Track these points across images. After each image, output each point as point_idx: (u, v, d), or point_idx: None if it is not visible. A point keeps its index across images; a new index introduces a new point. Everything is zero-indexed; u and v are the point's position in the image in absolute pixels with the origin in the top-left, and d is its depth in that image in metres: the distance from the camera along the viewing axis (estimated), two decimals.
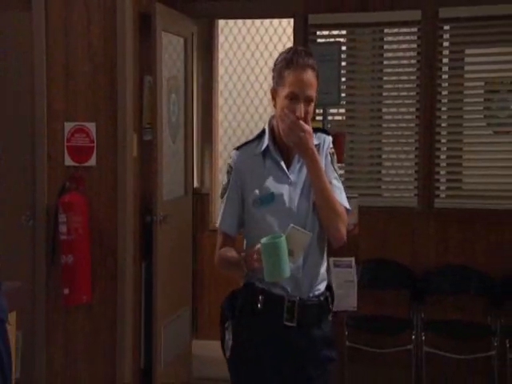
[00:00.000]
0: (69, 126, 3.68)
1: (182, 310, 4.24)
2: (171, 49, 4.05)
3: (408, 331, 4.06)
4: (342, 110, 4.62)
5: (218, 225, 2.29)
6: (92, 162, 3.68)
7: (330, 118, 4.52)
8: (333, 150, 2.25)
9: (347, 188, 2.38)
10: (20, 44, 3.75)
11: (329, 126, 4.11)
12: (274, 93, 2.17)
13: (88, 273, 3.67)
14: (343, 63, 4.44)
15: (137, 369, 3.92)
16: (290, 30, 4.61)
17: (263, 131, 2.25)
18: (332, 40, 4.38)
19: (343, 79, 4.51)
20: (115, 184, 3.68)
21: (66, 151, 3.69)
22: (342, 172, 4.44)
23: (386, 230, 4.31)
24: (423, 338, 4.01)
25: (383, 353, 4.11)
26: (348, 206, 2.21)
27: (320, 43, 4.37)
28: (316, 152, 2.13)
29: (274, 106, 2.18)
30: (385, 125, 4.64)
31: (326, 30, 4.45)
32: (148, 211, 3.88)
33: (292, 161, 2.20)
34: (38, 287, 3.77)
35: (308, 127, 2.09)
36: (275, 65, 2.17)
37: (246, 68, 5.28)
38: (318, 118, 4.14)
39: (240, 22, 5.20)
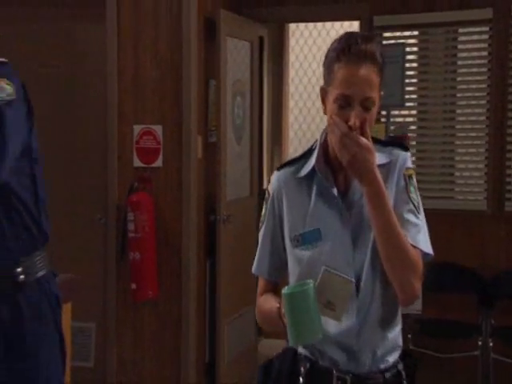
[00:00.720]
0: (137, 129, 3.87)
1: (246, 308, 4.34)
2: (236, 53, 4.16)
3: (475, 337, 3.97)
4: (414, 112, 4.59)
5: (253, 268, 1.80)
6: (158, 163, 3.84)
7: (400, 119, 4.52)
8: (411, 171, 1.66)
9: None
10: (94, 53, 3.98)
11: (391, 127, 4.10)
12: (324, 94, 1.63)
13: (154, 269, 3.83)
14: (414, 64, 4.44)
15: (201, 365, 4.05)
16: None
17: (313, 147, 1.73)
18: (397, 41, 4.36)
19: (414, 80, 4.50)
20: (180, 184, 3.83)
21: (134, 153, 3.88)
22: None
23: (453, 232, 4.23)
24: (491, 344, 3.91)
25: (448, 358, 4.04)
26: (428, 250, 1.62)
27: (384, 45, 4.35)
28: (378, 176, 1.54)
29: (325, 112, 1.63)
30: (458, 126, 4.56)
31: (391, 31, 4.43)
32: (213, 211, 4.01)
33: (350, 186, 1.65)
34: (109, 282, 3.98)
35: (365, 141, 1.53)
36: (326, 57, 1.64)
37: (316, 70, 5.33)
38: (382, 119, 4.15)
39: (311, 24, 5.26)
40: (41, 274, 1.97)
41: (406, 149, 1.70)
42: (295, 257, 1.69)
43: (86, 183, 4.02)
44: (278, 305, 1.61)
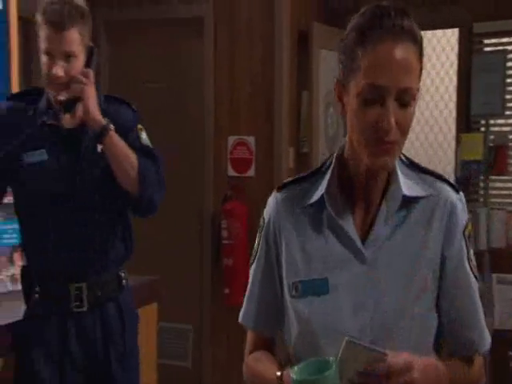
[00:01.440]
0: (232, 140, 4.03)
1: None
2: (331, 63, 4.21)
3: None
4: None
5: (239, 315, 1.41)
6: (251, 172, 3.97)
7: (508, 128, 4.35)
8: (470, 226, 1.28)
9: None
10: (193, 69, 4.16)
11: (491, 137, 3.97)
12: (342, 90, 1.22)
13: (246, 275, 3.94)
14: None
15: None
16: (453, 40, 4.51)
17: (328, 163, 1.31)
18: (497, 48, 4.22)
19: None
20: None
21: (229, 163, 4.04)
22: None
23: None
24: None
25: None
26: (487, 337, 1.29)
27: (484, 52, 4.24)
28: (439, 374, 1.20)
29: (342, 111, 1.23)
30: None
31: (495, 38, 4.30)
32: None
33: (373, 223, 1.23)
34: (204, 286, 4.14)
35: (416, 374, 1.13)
36: (344, 39, 1.22)
37: None
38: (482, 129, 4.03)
39: None
40: (129, 280, 2.16)
41: (457, 190, 1.27)
42: (293, 310, 1.27)
43: (184, 192, 4.21)
44: (277, 372, 1.24)
